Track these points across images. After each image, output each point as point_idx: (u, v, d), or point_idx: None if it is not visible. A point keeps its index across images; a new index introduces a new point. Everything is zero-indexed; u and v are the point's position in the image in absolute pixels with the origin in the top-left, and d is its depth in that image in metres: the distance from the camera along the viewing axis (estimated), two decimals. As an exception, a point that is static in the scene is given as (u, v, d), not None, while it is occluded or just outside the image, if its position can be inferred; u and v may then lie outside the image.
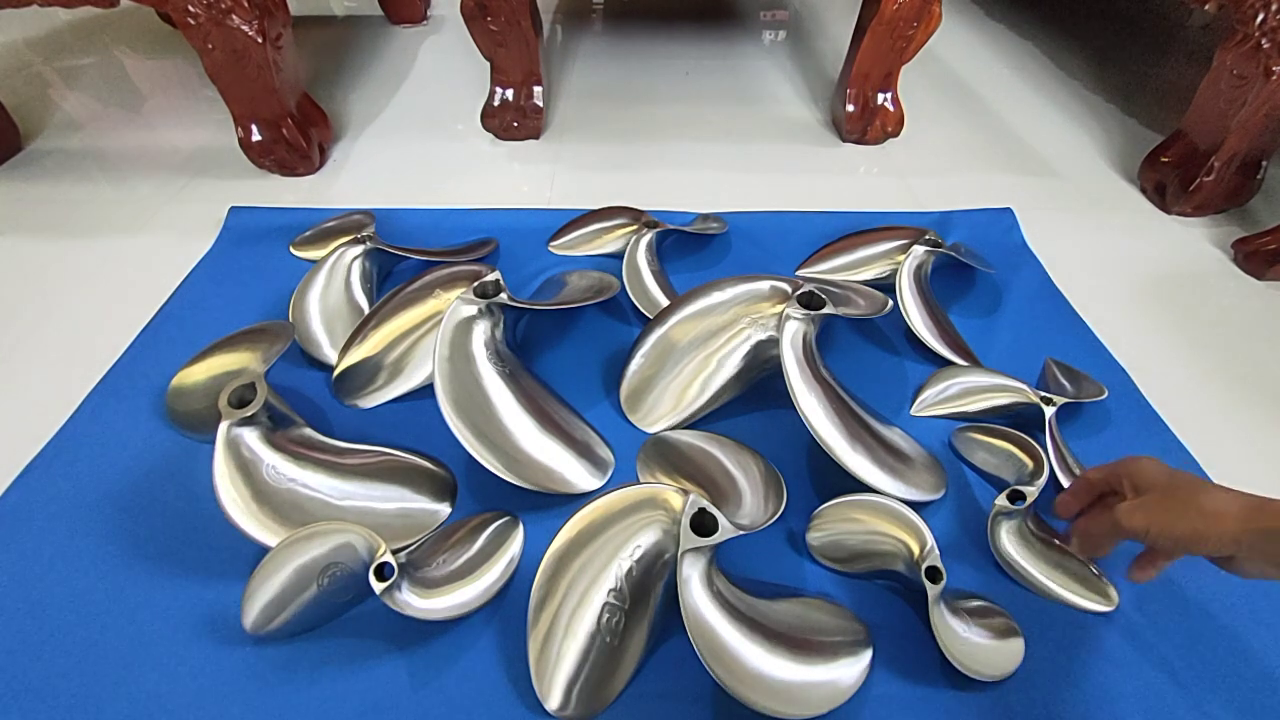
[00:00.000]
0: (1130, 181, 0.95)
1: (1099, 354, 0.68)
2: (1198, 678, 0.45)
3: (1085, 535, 0.44)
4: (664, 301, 0.68)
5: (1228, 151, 0.82)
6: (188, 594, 0.48)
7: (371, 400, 0.61)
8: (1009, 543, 0.51)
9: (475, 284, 0.58)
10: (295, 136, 0.88)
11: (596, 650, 0.43)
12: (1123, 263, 0.81)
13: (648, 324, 0.63)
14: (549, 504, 0.52)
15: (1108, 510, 0.41)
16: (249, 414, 0.49)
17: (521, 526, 0.52)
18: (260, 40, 0.79)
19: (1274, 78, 0.75)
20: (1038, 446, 0.55)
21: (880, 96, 0.99)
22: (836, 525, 0.52)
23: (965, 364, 0.65)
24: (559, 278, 0.73)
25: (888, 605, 0.49)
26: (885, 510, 0.50)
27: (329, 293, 0.68)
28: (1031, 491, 0.51)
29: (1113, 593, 0.49)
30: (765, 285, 0.61)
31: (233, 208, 0.81)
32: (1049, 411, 0.57)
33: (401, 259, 0.73)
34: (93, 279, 0.74)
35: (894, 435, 0.57)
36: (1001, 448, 0.57)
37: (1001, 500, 0.52)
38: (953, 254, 0.72)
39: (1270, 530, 0.35)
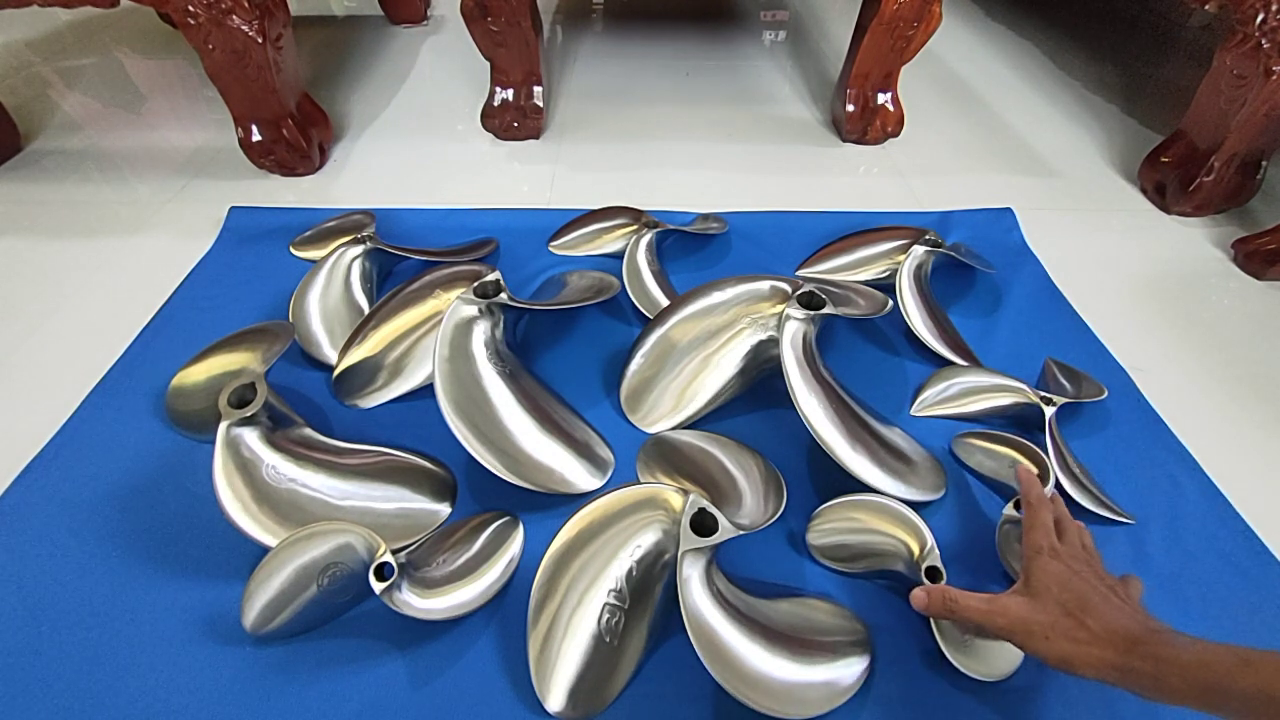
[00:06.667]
0: (1130, 181, 0.95)
1: (1099, 354, 0.68)
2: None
3: (938, 604, 0.41)
4: (664, 301, 0.68)
5: (1228, 151, 0.82)
6: (188, 594, 0.48)
7: (371, 400, 0.61)
8: (1017, 552, 0.49)
9: (475, 284, 0.58)
10: (295, 136, 0.88)
11: (596, 650, 0.43)
12: (1123, 263, 0.81)
13: (648, 324, 0.63)
14: (549, 504, 0.52)
15: (980, 598, 0.40)
16: (249, 414, 0.49)
17: (521, 526, 0.52)
18: (260, 40, 0.79)
19: (1274, 78, 0.75)
20: (1040, 451, 0.55)
21: (880, 96, 0.99)
22: (836, 525, 0.51)
23: (965, 364, 0.65)
24: (559, 278, 0.73)
25: (888, 605, 0.49)
26: (885, 510, 0.50)
27: (329, 293, 0.68)
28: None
29: None
30: (765, 285, 0.61)
31: (233, 208, 0.81)
32: (1049, 411, 0.57)
33: (401, 259, 0.73)
34: (92, 279, 0.74)
35: (894, 435, 0.56)
36: (1003, 453, 0.56)
37: (1009, 510, 0.51)
38: (953, 254, 0.72)
39: (1138, 672, 0.33)
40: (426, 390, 0.57)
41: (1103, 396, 0.61)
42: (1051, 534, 0.41)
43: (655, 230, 0.76)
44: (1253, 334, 0.72)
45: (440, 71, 1.21)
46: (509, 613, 0.47)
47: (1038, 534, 0.41)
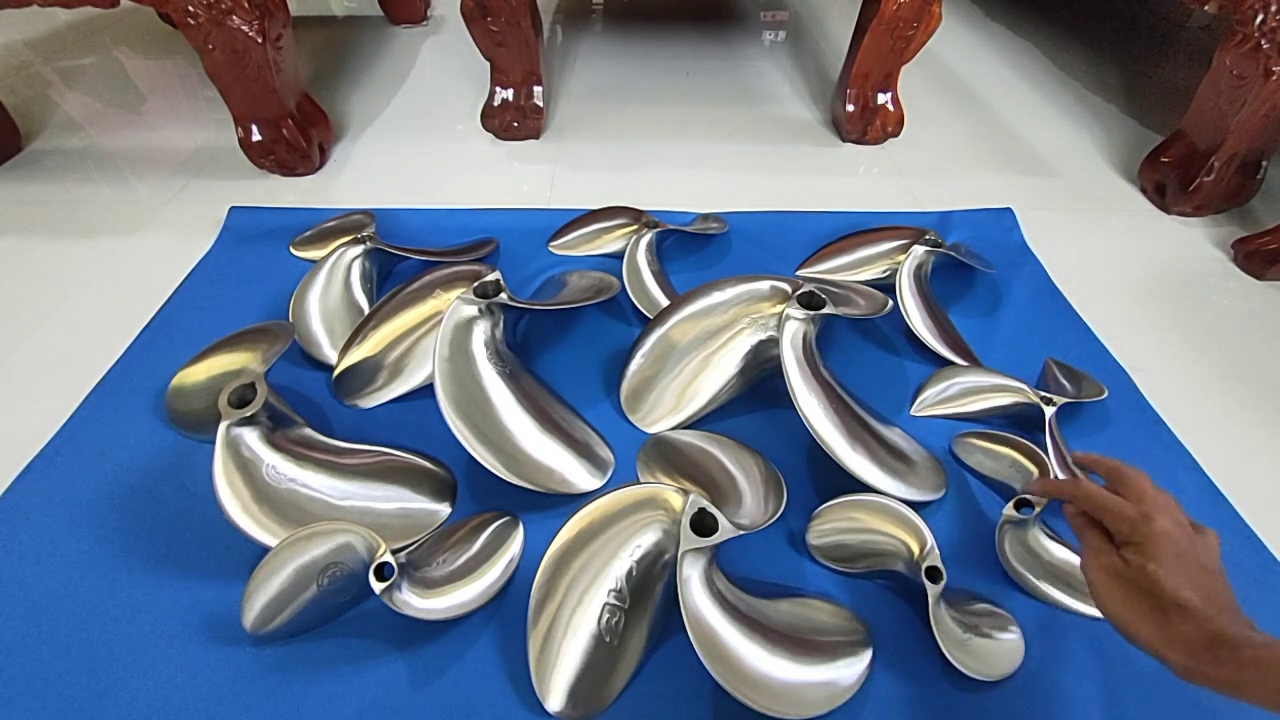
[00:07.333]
0: (1130, 181, 0.95)
1: (1099, 354, 0.68)
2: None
3: (1071, 495, 0.40)
4: (664, 301, 0.68)
5: (1227, 151, 0.82)
6: (188, 594, 0.48)
7: (371, 400, 0.61)
8: (1017, 553, 0.51)
9: (475, 284, 0.58)
10: (295, 136, 0.88)
11: (596, 650, 0.43)
12: (1123, 263, 0.81)
13: (648, 324, 0.63)
14: (549, 504, 0.52)
15: (1093, 526, 0.38)
16: (249, 414, 0.49)
17: (521, 526, 0.52)
18: (260, 40, 0.79)
19: (1274, 78, 0.75)
20: (1040, 451, 0.55)
21: (880, 96, 0.99)
22: (836, 525, 0.51)
23: (965, 364, 0.65)
24: (559, 278, 0.73)
25: (888, 605, 0.49)
26: (885, 510, 0.50)
27: (329, 293, 0.68)
28: (1039, 500, 0.51)
29: None
30: (765, 285, 0.61)
31: (233, 208, 0.81)
32: (1049, 411, 0.57)
33: (401, 259, 0.73)
34: (93, 279, 0.74)
35: (894, 435, 0.56)
36: (1003, 453, 0.56)
37: (1009, 510, 0.51)
38: (953, 254, 0.72)
39: (1214, 676, 0.33)
40: (426, 390, 0.57)
41: (1103, 396, 0.61)
42: (1129, 512, 0.37)
43: (655, 230, 0.76)
44: (1253, 334, 0.72)
45: (440, 71, 1.21)
46: (509, 613, 0.47)
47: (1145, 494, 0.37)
